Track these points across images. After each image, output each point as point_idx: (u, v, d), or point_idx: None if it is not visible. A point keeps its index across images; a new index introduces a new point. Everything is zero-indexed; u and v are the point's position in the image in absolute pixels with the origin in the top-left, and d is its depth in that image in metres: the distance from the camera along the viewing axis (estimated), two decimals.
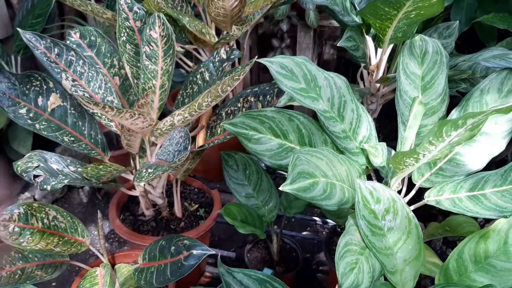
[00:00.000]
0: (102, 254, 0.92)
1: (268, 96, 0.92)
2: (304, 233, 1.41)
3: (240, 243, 1.43)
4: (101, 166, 0.93)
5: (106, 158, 1.00)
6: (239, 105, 0.95)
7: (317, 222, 1.44)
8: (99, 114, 0.98)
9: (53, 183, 0.74)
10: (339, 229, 1.15)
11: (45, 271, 0.85)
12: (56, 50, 0.95)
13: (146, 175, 0.80)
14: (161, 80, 0.97)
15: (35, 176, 0.76)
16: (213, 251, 0.74)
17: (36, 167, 0.77)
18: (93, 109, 0.72)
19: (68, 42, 1.03)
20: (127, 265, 0.87)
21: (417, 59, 0.89)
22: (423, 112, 0.81)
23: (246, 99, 0.94)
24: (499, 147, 0.84)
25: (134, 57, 1.03)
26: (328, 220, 1.44)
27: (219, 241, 1.46)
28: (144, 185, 1.03)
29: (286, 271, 1.12)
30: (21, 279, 0.82)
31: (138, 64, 1.04)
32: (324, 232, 1.43)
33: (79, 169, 0.89)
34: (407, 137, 0.82)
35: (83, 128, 0.96)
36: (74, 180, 0.81)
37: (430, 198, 0.84)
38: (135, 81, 1.02)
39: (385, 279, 0.75)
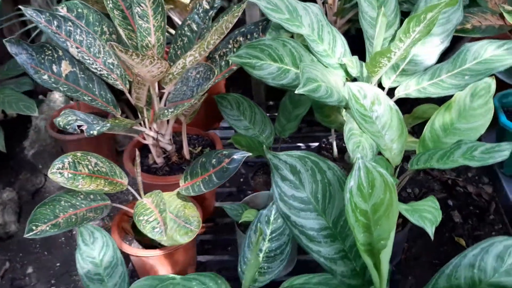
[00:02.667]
0: (138, 194, 1.04)
1: (255, 34, 1.07)
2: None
3: (236, 183, 1.61)
4: (117, 120, 1.05)
5: (118, 114, 1.11)
6: (229, 46, 1.10)
7: (302, 147, 1.64)
8: (106, 75, 1.08)
9: (98, 127, 0.85)
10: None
11: (95, 213, 0.97)
12: (55, 22, 1.04)
13: (170, 112, 0.94)
14: (155, 36, 1.09)
15: (78, 126, 0.87)
16: (250, 153, 0.90)
17: (76, 119, 0.88)
18: (122, 56, 0.83)
19: None
20: (168, 193, 1.01)
21: None
22: (386, 23, 1.00)
23: (235, 40, 1.09)
24: (444, 44, 1.06)
25: (123, 20, 1.14)
26: (310, 144, 1.63)
27: None
28: (157, 133, 1.16)
29: None
30: (78, 221, 0.94)
31: (129, 27, 1.15)
32: None
33: (102, 123, 1.01)
34: (376, 45, 1.02)
35: (94, 89, 1.07)
36: (108, 128, 0.93)
37: (400, 94, 1.05)
38: (129, 41, 1.13)
39: (380, 154, 0.95)
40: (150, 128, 1.16)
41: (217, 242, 1.34)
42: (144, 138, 1.19)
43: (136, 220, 0.88)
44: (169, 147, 1.22)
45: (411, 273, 1.55)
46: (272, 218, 0.92)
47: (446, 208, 1.87)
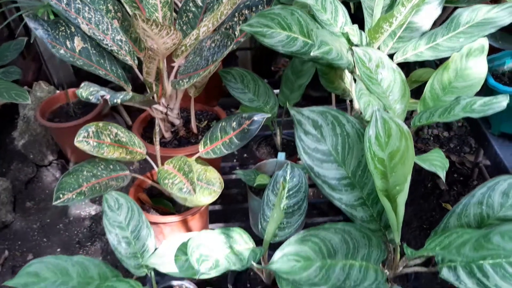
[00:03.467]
0: (156, 163, 1.08)
1: (260, 6, 1.12)
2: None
3: (239, 158, 1.66)
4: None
5: (129, 89, 1.14)
6: (235, 19, 1.14)
7: None
8: (116, 51, 1.11)
9: (121, 96, 0.89)
10: None
11: (117, 181, 1.01)
12: (65, 0, 1.06)
13: (185, 82, 0.98)
14: (162, 12, 1.13)
15: (102, 96, 0.90)
16: (268, 115, 0.95)
17: (98, 90, 0.91)
18: (142, 26, 0.86)
19: None
20: (185, 158, 1.05)
21: None
22: None
23: (241, 13, 1.13)
24: (437, 11, 1.13)
25: None
26: None
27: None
28: (167, 107, 1.19)
29: (290, 156, 1.37)
30: (101, 189, 0.97)
31: (134, 4, 1.17)
32: None
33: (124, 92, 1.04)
34: (375, 14, 1.08)
35: (106, 65, 1.10)
36: (129, 98, 0.96)
37: (398, 59, 1.12)
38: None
39: None
40: (159, 103, 1.20)
41: (226, 211, 1.40)
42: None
43: (162, 183, 0.92)
44: (177, 121, 1.26)
45: (404, 238, 1.65)
46: (288, 177, 0.97)
47: (432, 176, 1.98)
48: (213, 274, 0.75)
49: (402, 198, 0.80)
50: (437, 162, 0.86)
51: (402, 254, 0.89)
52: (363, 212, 0.85)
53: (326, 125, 0.81)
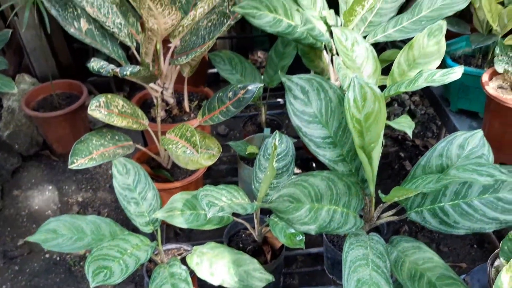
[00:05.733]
0: (156, 136, 1.19)
1: None
2: (277, 111, 1.78)
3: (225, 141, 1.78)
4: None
5: None
6: (225, 4, 1.26)
7: (281, 103, 1.83)
8: (117, 33, 1.21)
9: (130, 69, 1.00)
10: None
11: (123, 150, 1.11)
12: None
13: (184, 58, 1.09)
14: None
15: (112, 69, 1.01)
16: (262, 84, 1.08)
17: (108, 64, 1.02)
18: (149, 4, 0.96)
19: None
20: (187, 125, 1.16)
21: None
22: None
23: None
24: None
25: None
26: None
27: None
28: (162, 87, 1.30)
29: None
30: (110, 156, 1.07)
31: None
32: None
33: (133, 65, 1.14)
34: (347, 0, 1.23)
35: (108, 45, 1.20)
36: (137, 71, 1.07)
37: (370, 40, 1.27)
38: (134, 3, 1.26)
39: None
40: (154, 82, 1.31)
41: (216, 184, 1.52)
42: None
43: (167, 147, 1.03)
44: (171, 100, 1.37)
45: None
46: (277, 143, 1.10)
47: (398, 159, 2.17)
48: (220, 215, 0.87)
49: (376, 153, 0.95)
50: (404, 124, 1.01)
51: (377, 206, 1.04)
52: (343, 167, 0.99)
53: (312, 91, 0.95)
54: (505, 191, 0.86)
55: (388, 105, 2.40)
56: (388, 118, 2.35)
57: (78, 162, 1.01)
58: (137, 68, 0.99)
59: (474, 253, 1.69)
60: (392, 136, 2.33)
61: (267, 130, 1.38)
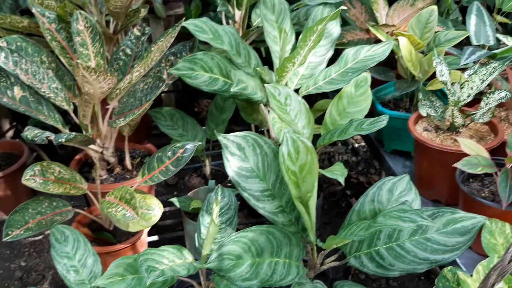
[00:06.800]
0: (96, 198, 1.18)
1: (183, 53, 1.29)
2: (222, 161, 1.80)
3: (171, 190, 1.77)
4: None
5: (66, 131, 1.24)
6: (162, 65, 1.30)
7: None
8: (54, 98, 1.21)
9: (65, 136, 1.00)
10: None
11: (61, 216, 1.09)
12: (3, 54, 1.15)
13: (121, 121, 1.11)
14: (95, 61, 1.26)
15: (47, 137, 1.01)
16: (200, 143, 1.10)
17: (42, 132, 1.01)
18: (83, 73, 0.98)
19: None
20: (126, 187, 1.16)
21: (270, 10, 1.37)
22: (286, 39, 1.29)
23: (167, 59, 1.29)
24: (330, 52, 1.38)
25: (62, 49, 1.28)
26: None
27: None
28: (102, 148, 1.30)
29: (219, 184, 1.52)
30: (48, 224, 1.05)
31: (67, 55, 1.29)
32: None
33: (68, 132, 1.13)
34: (281, 56, 1.30)
35: (44, 111, 1.19)
36: (72, 138, 1.07)
37: (303, 92, 1.34)
38: (70, 67, 1.27)
39: None
40: (95, 142, 1.30)
41: (163, 240, 1.50)
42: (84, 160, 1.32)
43: (106, 212, 1.02)
44: (112, 159, 1.36)
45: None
46: (219, 198, 1.12)
47: (345, 197, 2.24)
48: (161, 280, 0.86)
49: (312, 202, 0.98)
50: (337, 172, 1.06)
51: (320, 252, 1.07)
52: (283, 218, 1.02)
53: (248, 147, 0.99)
54: (432, 232, 0.92)
55: (333, 144, 2.49)
56: (333, 157, 2.44)
57: (13, 234, 0.98)
58: (72, 134, 1.00)
59: (422, 285, 1.74)
60: None
61: (211, 183, 1.40)
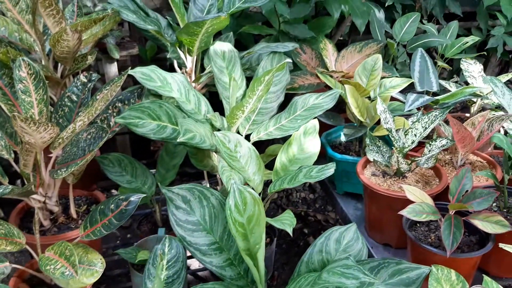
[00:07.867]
0: (35, 252, 1.11)
1: (131, 100, 1.27)
2: None
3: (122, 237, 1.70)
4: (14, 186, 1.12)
5: (5, 182, 1.18)
6: (109, 111, 1.27)
7: None
8: None
9: (1, 190, 0.94)
10: None
11: None
12: None
13: (63, 171, 1.06)
14: (38, 108, 1.21)
15: None
16: (144, 195, 1.06)
17: None
18: (20, 125, 0.94)
19: None
20: (66, 243, 1.10)
21: (221, 57, 1.38)
22: (236, 86, 1.30)
23: (114, 106, 1.27)
24: (281, 98, 1.40)
25: (4, 96, 1.24)
26: None
27: None
28: (46, 196, 1.24)
29: (171, 231, 1.47)
30: None
31: (9, 102, 1.24)
32: None
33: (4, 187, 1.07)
34: (231, 102, 1.30)
35: None
36: (9, 192, 1.02)
37: (254, 138, 1.34)
38: (11, 114, 1.22)
39: (246, 184, 1.20)
40: (37, 192, 1.24)
41: None
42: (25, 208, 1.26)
43: (44, 270, 0.96)
44: (56, 209, 1.30)
45: None
46: (166, 250, 1.09)
47: (303, 235, 2.23)
48: None
49: (261, 255, 0.97)
50: (286, 221, 1.05)
51: None
52: (232, 271, 0.99)
53: (194, 199, 0.97)
54: (379, 284, 0.92)
55: None
56: (291, 194, 2.44)
57: None
58: (9, 188, 0.95)
59: None
60: (295, 213, 2.41)
61: (161, 231, 1.36)
